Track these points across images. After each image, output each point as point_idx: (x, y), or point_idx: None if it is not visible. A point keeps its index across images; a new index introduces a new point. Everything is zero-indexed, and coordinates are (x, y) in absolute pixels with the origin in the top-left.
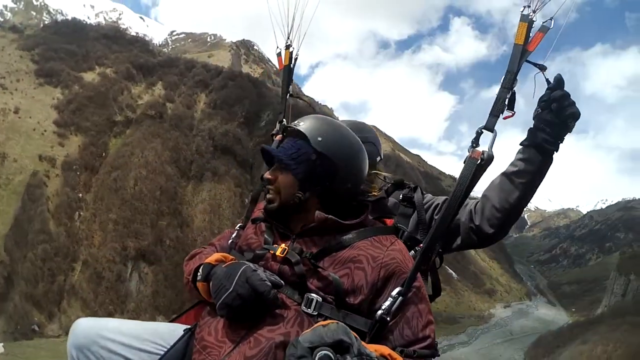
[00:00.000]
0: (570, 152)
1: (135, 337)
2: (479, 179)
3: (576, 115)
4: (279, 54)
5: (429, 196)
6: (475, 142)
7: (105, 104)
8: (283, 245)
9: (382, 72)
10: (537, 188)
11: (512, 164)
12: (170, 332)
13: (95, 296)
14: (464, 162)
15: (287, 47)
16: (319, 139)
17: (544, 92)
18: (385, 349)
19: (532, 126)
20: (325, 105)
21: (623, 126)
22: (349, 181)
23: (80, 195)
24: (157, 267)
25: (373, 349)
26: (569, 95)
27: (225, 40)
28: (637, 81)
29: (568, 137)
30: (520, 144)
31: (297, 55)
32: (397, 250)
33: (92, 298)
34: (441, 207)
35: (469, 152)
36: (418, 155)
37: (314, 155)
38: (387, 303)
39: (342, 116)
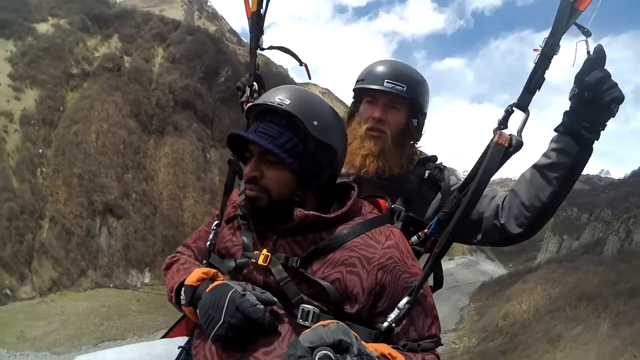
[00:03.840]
0: (514, 127)
1: None
2: (502, 166)
3: (619, 100)
4: None
5: (454, 179)
6: (504, 124)
7: (60, 56)
8: (265, 251)
9: (337, 37)
10: (573, 183)
11: (544, 155)
12: (166, 352)
13: (66, 253)
14: (488, 147)
15: None
16: (315, 122)
17: (582, 65)
18: (385, 348)
19: (568, 109)
20: (281, 66)
21: (565, 106)
22: (343, 163)
23: (41, 150)
24: (126, 221)
25: (373, 348)
26: (610, 76)
27: None
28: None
29: (513, 113)
30: (555, 130)
31: None
32: (394, 246)
33: (63, 256)
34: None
35: (494, 134)
36: None
37: (312, 144)
38: (393, 315)
39: (296, 79)
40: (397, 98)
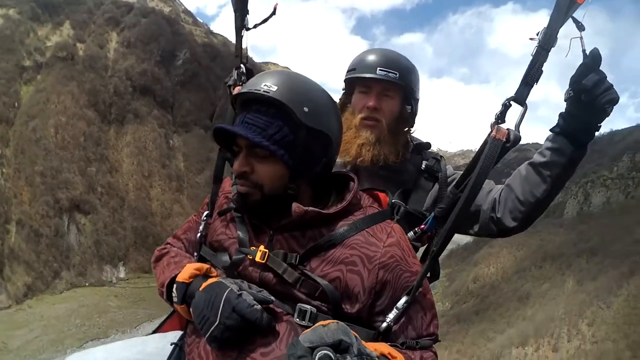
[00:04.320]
0: (473, 98)
1: None
2: (499, 161)
3: (615, 101)
4: None
5: (450, 169)
6: (501, 118)
7: (11, 48)
8: (262, 247)
9: (295, 14)
10: (566, 181)
11: (540, 153)
12: (158, 349)
13: (37, 256)
14: (485, 141)
15: None
16: (305, 109)
17: (578, 68)
18: (385, 347)
19: (563, 111)
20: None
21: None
22: (339, 150)
23: (0, 151)
24: (94, 216)
25: (372, 347)
26: (606, 77)
27: None
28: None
29: (471, 86)
30: (551, 130)
31: None
32: (396, 244)
33: (34, 259)
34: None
35: (491, 128)
36: None
37: (304, 132)
38: (392, 315)
39: (255, 58)
40: (391, 85)
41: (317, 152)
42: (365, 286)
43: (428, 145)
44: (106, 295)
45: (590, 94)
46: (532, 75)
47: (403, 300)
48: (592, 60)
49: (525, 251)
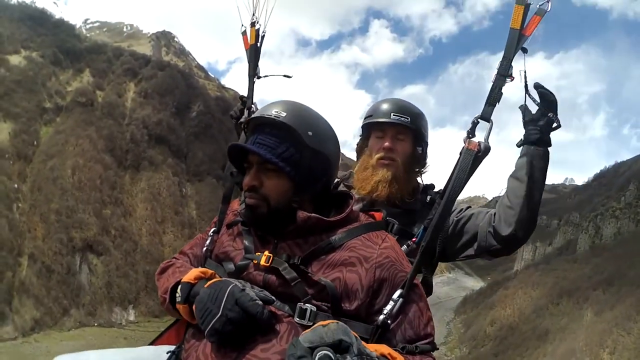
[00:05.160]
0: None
1: None
2: (475, 170)
3: (553, 103)
4: (244, 33)
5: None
6: (472, 133)
7: (33, 89)
8: (267, 252)
9: (301, 70)
10: (541, 178)
11: (514, 165)
12: (154, 357)
13: (47, 292)
14: (460, 154)
15: (253, 24)
16: (310, 133)
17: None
18: (385, 348)
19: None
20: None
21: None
22: (337, 173)
23: (16, 185)
24: (107, 258)
25: (373, 348)
26: (553, 111)
27: (142, 31)
28: (540, 82)
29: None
30: (517, 145)
31: (264, 32)
32: (390, 248)
33: (44, 294)
34: (465, 210)
35: (464, 142)
36: None
37: (308, 153)
38: (389, 307)
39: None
40: (403, 129)
41: (319, 171)
42: (363, 284)
43: (432, 186)
44: (115, 336)
45: (539, 126)
46: (493, 97)
47: (398, 292)
48: (542, 100)
49: (540, 290)
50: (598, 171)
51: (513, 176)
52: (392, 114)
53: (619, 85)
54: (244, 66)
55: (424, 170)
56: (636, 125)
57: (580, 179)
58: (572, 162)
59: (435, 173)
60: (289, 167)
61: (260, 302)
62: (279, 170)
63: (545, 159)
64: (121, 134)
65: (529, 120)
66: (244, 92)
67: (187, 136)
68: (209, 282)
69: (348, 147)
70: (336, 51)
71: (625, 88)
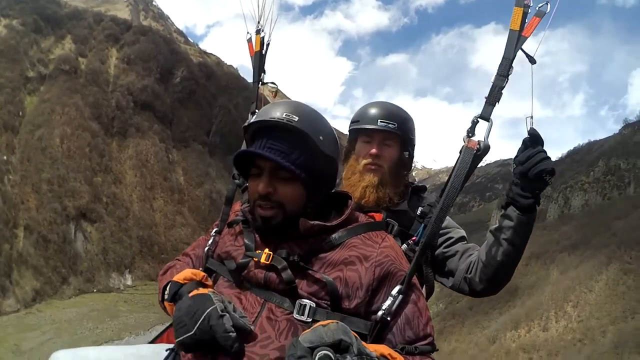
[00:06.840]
0: (456, 117)
1: None
2: (474, 168)
3: (548, 171)
4: (249, 40)
5: (446, 221)
6: (471, 132)
7: (15, 58)
8: (267, 250)
9: (283, 35)
10: (523, 242)
11: (497, 221)
12: (153, 354)
13: (45, 261)
14: (460, 152)
15: (258, 32)
16: (321, 137)
17: (520, 145)
18: (385, 349)
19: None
20: (231, 65)
21: (506, 97)
22: (340, 175)
23: (6, 157)
24: (101, 225)
25: (373, 348)
26: (540, 151)
27: None
28: (523, 58)
29: (455, 105)
30: (501, 207)
31: (269, 40)
32: (390, 247)
33: (42, 264)
34: (454, 242)
35: (464, 141)
36: None
37: (321, 158)
38: (387, 303)
39: (247, 77)
40: (390, 135)
41: (330, 176)
42: (363, 282)
43: (424, 188)
44: (115, 300)
45: (524, 166)
46: (493, 97)
47: (397, 288)
48: (530, 139)
49: None
50: (572, 148)
51: (494, 234)
52: (379, 120)
53: (601, 68)
54: (223, 30)
55: (411, 172)
56: (614, 107)
57: (555, 155)
58: (549, 139)
59: (417, 143)
60: (305, 173)
61: (233, 335)
62: (293, 177)
63: (531, 224)
64: (106, 101)
65: (520, 174)
66: (227, 58)
67: (172, 102)
68: (194, 292)
69: (328, 115)
70: (319, 17)
71: (606, 71)
